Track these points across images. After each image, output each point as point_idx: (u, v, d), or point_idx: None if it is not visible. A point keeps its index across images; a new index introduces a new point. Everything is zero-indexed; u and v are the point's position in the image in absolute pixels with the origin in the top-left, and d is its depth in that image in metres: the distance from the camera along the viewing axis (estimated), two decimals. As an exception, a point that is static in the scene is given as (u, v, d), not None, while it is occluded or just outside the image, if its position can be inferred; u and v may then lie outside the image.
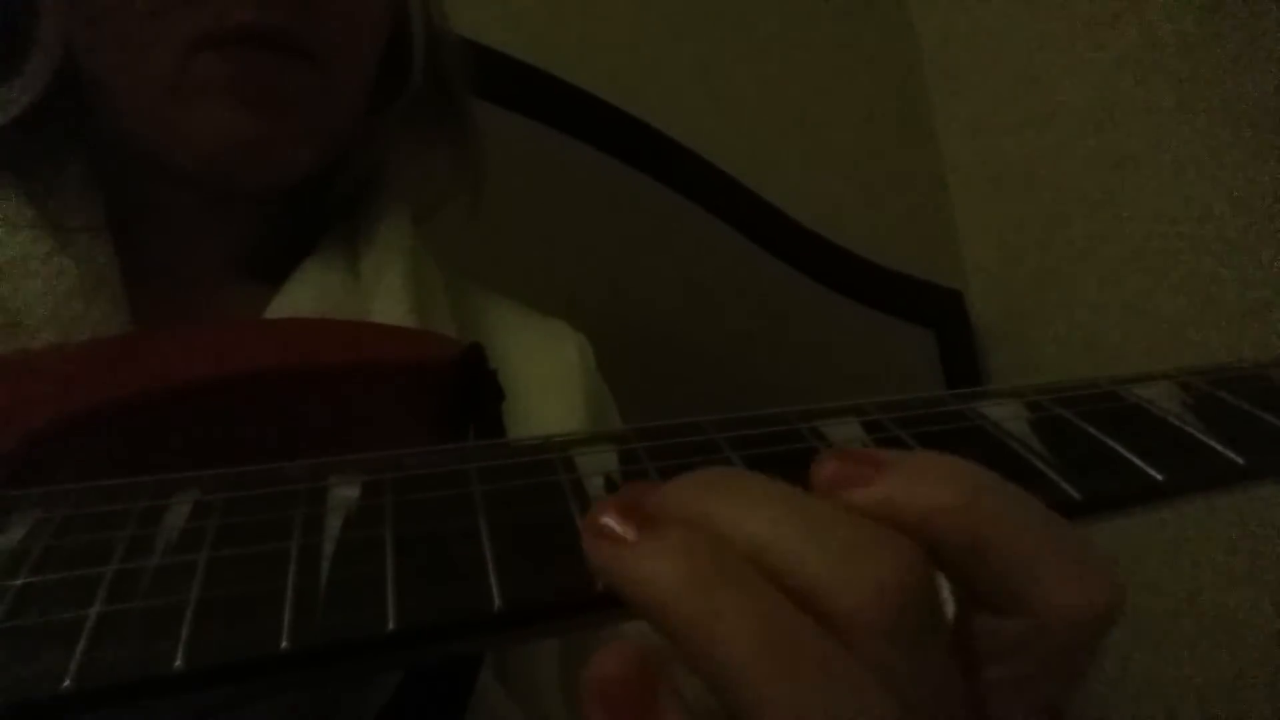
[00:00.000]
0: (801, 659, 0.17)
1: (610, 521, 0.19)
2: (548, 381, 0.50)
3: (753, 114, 0.93)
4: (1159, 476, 0.23)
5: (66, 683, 0.18)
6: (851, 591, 0.17)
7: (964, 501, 0.19)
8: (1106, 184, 0.86)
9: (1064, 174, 0.90)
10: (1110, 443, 0.24)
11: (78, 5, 0.41)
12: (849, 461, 0.20)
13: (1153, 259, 0.82)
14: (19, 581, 0.20)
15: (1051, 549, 0.19)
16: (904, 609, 0.17)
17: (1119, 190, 0.85)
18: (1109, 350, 0.86)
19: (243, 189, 0.46)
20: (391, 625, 0.19)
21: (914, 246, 0.98)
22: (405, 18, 0.49)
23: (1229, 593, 0.77)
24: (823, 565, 0.18)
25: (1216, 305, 0.78)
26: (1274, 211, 0.74)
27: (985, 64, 0.97)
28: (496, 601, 0.20)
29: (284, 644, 0.19)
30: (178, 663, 0.18)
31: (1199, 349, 0.79)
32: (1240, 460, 0.24)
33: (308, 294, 0.44)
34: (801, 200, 0.89)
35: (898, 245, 0.95)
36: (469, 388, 0.34)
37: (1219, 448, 0.24)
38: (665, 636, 0.18)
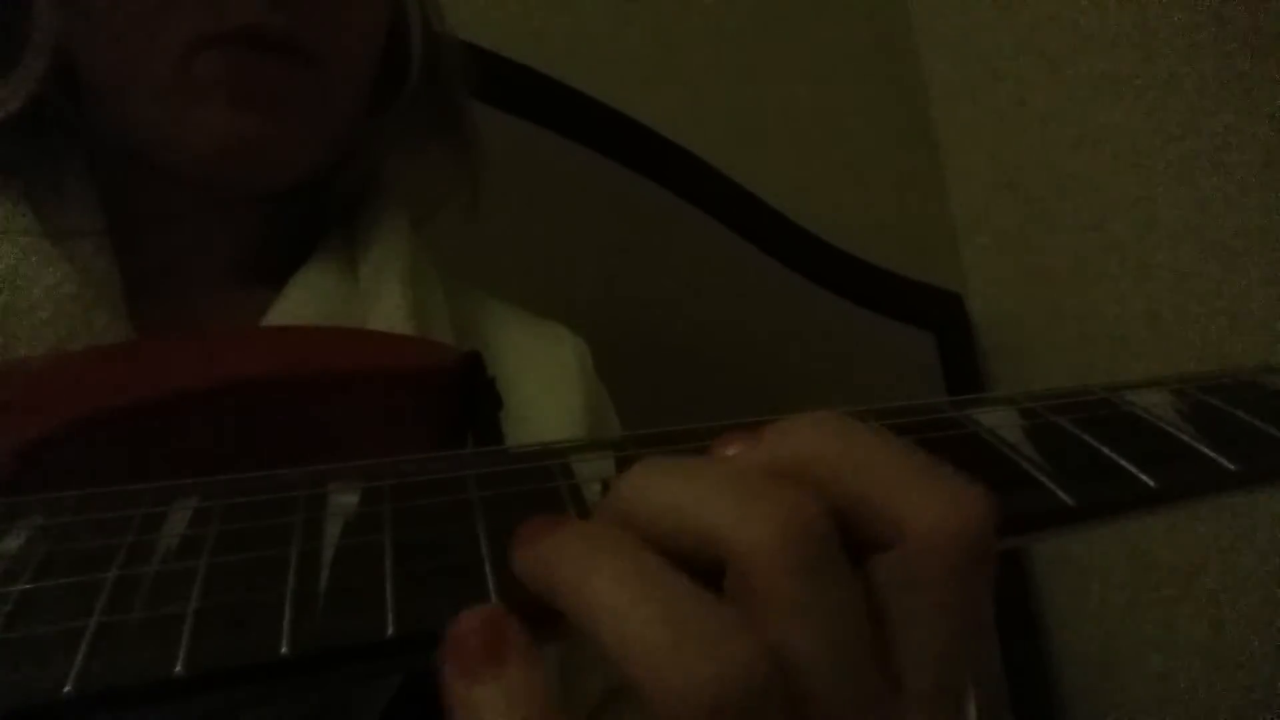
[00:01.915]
0: (682, 616, 0.18)
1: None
2: (546, 385, 0.50)
3: (751, 115, 0.94)
4: (1152, 483, 0.24)
5: (67, 688, 0.18)
6: (753, 528, 0.19)
7: (835, 442, 0.21)
8: (1107, 187, 0.86)
9: (1065, 177, 0.90)
10: (1105, 450, 0.25)
11: (76, 5, 0.41)
12: (741, 433, 0.23)
13: (1154, 262, 0.82)
14: (20, 588, 0.20)
15: (918, 471, 0.21)
16: (803, 540, 0.19)
17: (1120, 193, 0.85)
18: (1109, 353, 0.86)
19: (241, 191, 0.46)
20: (391, 630, 0.20)
21: (914, 249, 0.98)
22: (403, 20, 0.49)
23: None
24: (725, 511, 0.20)
25: (1218, 308, 0.78)
26: (1277, 213, 0.74)
27: (986, 66, 0.97)
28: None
29: (284, 649, 0.19)
30: (178, 668, 0.18)
31: (1200, 352, 0.79)
32: (1233, 466, 0.24)
33: (307, 299, 0.44)
34: (801, 203, 0.89)
35: (898, 248, 0.95)
36: (467, 395, 0.34)
37: (1212, 454, 0.24)
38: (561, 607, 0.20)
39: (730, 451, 0.22)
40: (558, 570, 0.20)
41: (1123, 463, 0.24)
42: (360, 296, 0.46)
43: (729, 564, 0.19)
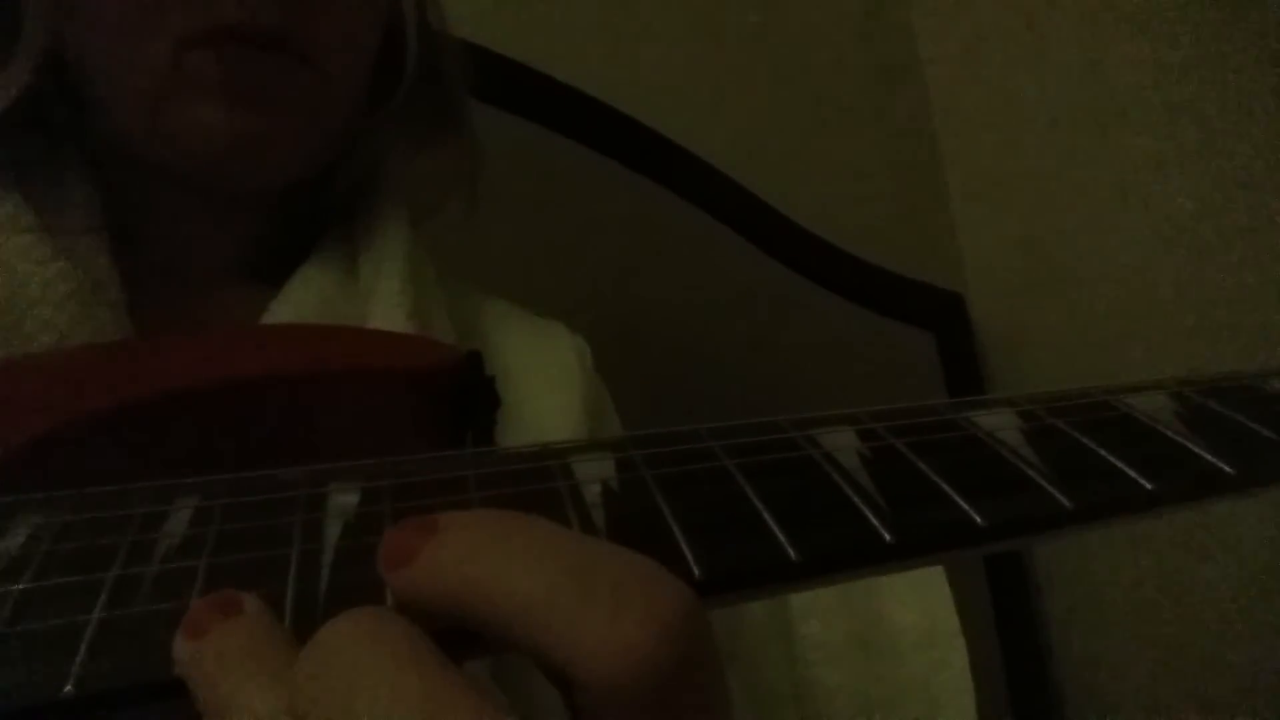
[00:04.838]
0: None
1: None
2: (546, 383, 0.51)
3: (752, 116, 0.94)
4: (1150, 486, 0.24)
5: (68, 688, 0.18)
6: None
7: (491, 569, 0.18)
8: (1108, 186, 0.86)
9: (1065, 176, 0.90)
10: (1102, 452, 0.25)
11: (66, 4, 0.41)
12: (403, 534, 0.20)
13: (1154, 262, 0.82)
14: (20, 587, 0.20)
15: (577, 597, 0.18)
16: None
17: (1120, 193, 0.85)
18: (1109, 353, 0.86)
19: (237, 189, 0.46)
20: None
21: (915, 249, 0.98)
22: (401, 18, 0.49)
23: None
24: None
25: (1218, 309, 0.78)
26: (1277, 214, 0.74)
27: (985, 65, 0.97)
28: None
29: (283, 649, 0.19)
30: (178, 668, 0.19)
31: (1200, 353, 0.79)
32: (1230, 470, 0.24)
33: (306, 297, 0.45)
34: (801, 202, 0.89)
35: (898, 248, 0.95)
36: (466, 395, 0.34)
37: (1209, 458, 0.24)
38: None
39: (398, 568, 0.19)
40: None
41: (1121, 466, 0.24)
42: (360, 294, 0.46)
43: None
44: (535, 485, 0.24)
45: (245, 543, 0.22)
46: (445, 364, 0.35)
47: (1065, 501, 0.23)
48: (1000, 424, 0.26)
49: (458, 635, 0.19)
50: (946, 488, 0.23)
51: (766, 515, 0.22)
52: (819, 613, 0.55)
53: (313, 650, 0.18)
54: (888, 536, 0.22)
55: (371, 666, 0.17)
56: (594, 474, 0.24)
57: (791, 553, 0.21)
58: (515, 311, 0.56)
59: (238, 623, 0.19)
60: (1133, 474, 0.24)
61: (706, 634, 0.18)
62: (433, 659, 0.17)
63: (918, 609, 0.55)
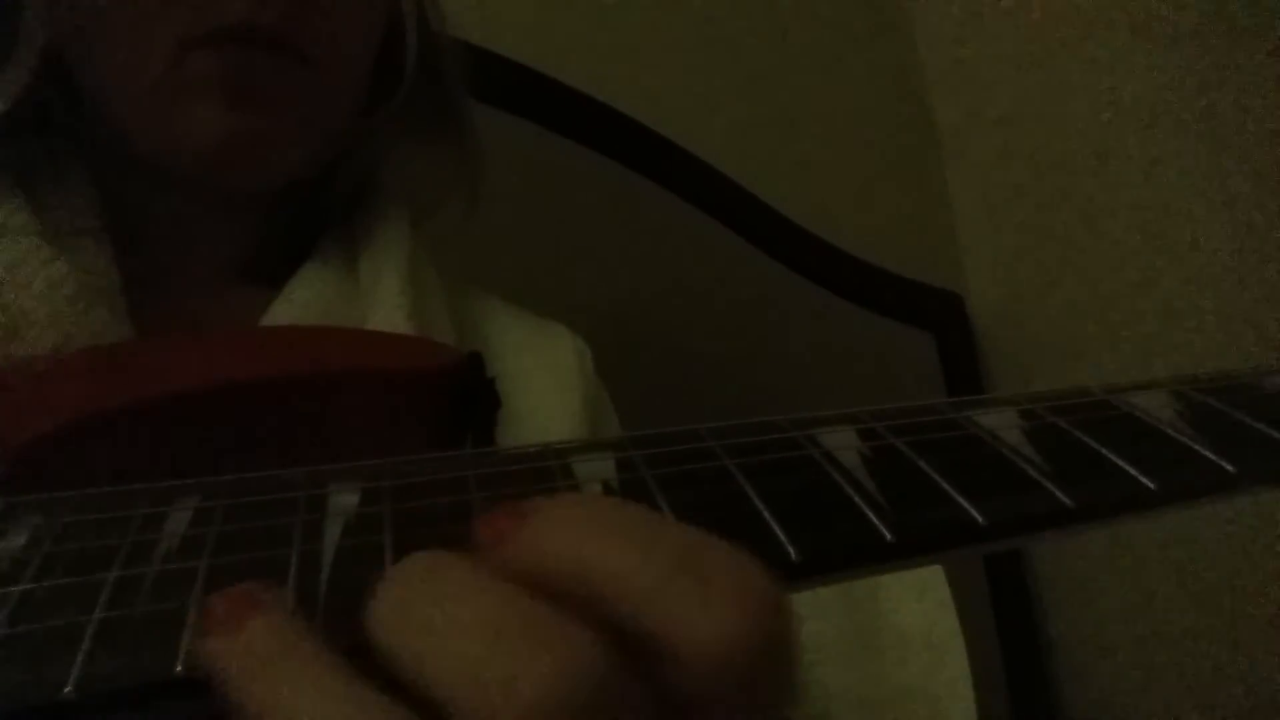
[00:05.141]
0: None
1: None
2: (546, 384, 0.51)
3: (751, 116, 0.94)
4: (1151, 485, 0.24)
5: (68, 689, 0.18)
6: (524, 693, 0.16)
7: (597, 546, 0.19)
8: (1107, 188, 0.86)
9: (1065, 177, 0.90)
10: (1104, 451, 0.25)
11: (67, 5, 0.41)
12: (506, 514, 0.20)
13: (1153, 263, 0.82)
14: (20, 588, 0.20)
15: (674, 578, 0.18)
16: (587, 693, 0.16)
17: (1120, 194, 0.85)
18: (1109, 354, 0.86)
19: (237, 189, 0.46)
20: (390, 632, 0.20)
21: (914, 249, 0.98)
22: (401, 18, 0.49)
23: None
24: (492, 666, 0.17)
25: (1217, 310, 0.78)
26: (1275, 216, 0.74)
27: (986, 66, 0.97)
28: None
29: (284, 650, 0.19)
30: (179, 668, 0.18)
31: (1199, 354, 0.79)
32: (1231, 469, 0.24)
33: (306, 298, 0.45)
34: (801, 203, 0.89)
35: (898, 248, 0.95)
36: (467, 396, 0.34)
37: (1211, 456, 0.24)
38: None
39: (495, 546, 0.20)
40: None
41: (1122, 464, 0.24)
42: (360, 296, 0.46)
43: None
44: (536, 485, 0.24)
45: (245, 543, 0.22)
46: (446, 365, 0.35)
47: (1066, 500, 0.23)
48: (1001, 423, 0.26)
49: None
50: (947, 487, 0.24)
51: (767, 515, 0.22)
52: (819, 613, 0.55)
53: (392, 581, 0.19)
54: (888, 536, 0.22)
55: (456, 582, 0.18)
56: (594, 474, 0.24)
57: (791, 552, 0.22)
58: (516, 313, 0.56)
59: (266, 618, 0.19)
60: (1134, 473, 0.24)
61: (790, 622, 0.19)
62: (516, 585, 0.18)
63: (918, 609, 0.55)
